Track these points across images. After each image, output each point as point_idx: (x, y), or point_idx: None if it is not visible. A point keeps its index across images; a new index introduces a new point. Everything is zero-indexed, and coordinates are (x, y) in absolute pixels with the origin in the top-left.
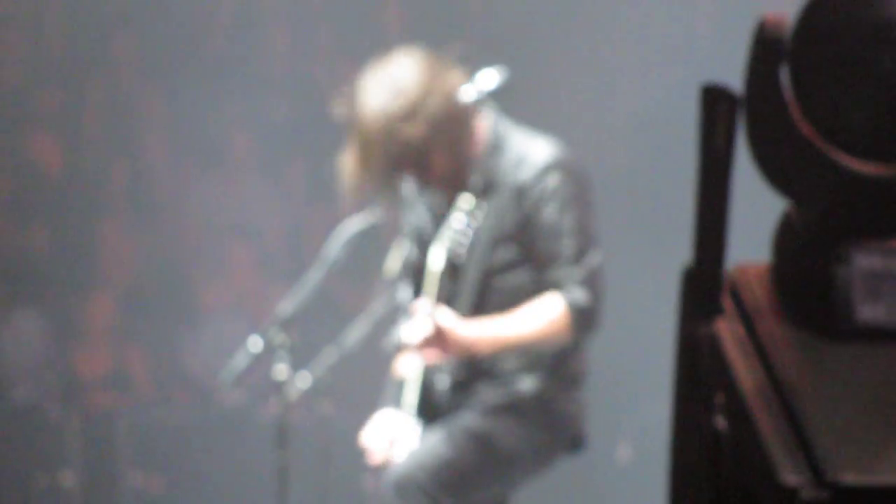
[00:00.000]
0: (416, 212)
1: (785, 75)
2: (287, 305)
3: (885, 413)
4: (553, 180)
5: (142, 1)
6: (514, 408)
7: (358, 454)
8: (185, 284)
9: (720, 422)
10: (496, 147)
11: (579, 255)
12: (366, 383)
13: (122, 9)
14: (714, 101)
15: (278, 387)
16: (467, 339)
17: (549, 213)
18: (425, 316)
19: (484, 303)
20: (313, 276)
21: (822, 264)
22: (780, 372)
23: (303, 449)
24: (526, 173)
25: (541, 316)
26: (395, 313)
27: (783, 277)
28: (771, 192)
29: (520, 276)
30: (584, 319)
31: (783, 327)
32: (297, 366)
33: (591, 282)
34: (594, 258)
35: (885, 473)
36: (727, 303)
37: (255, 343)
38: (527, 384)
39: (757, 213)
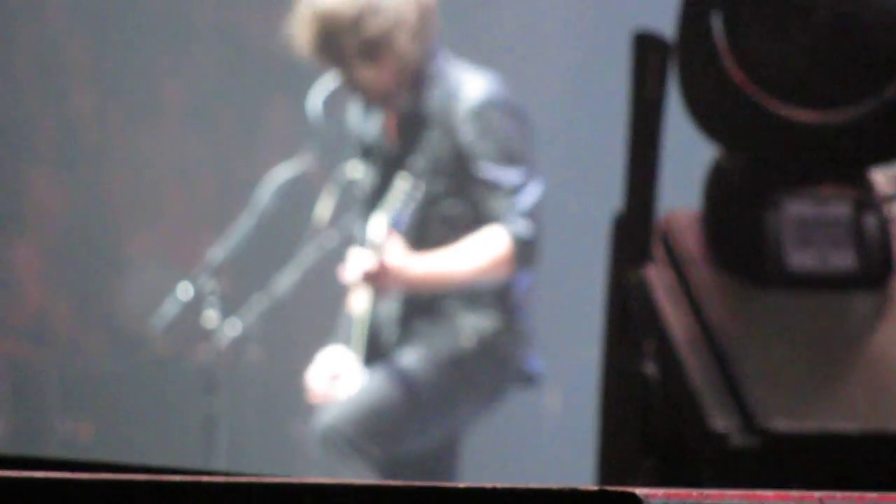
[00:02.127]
0: (361, 134)
1: (717, 23)
2: (217, 253)
3: (814, 359)
4: (491, 116)
5: None
6: (455, 350)
7: (287, 401)
8: (114, 233)
9: (650, 368)
10: (434, 76)
11: (520, 186)
12: (295, 331)
13: None
14: (646, 49)
15: (208, 334)
16: (410, 273)
17: (488, 147)
18: (370, 250)
19: (423, 235)
20: (244, 224)
21: (753, 211)
22: (710, 318)
23: (232, 396)
24: (462, 108)
25: (484, 248)
26: (341, 249)
27: (714, 224)
28: (702, 139)
29: (457, 207)
30: (527, 251)
31: (714, 274)
32: (226, 313)
33: (533, 213)
34: (535, 190)
35: (814, 420)
36: (658, 250)
37: (185, 290)
38: (468, 321)
39: (688, 160)
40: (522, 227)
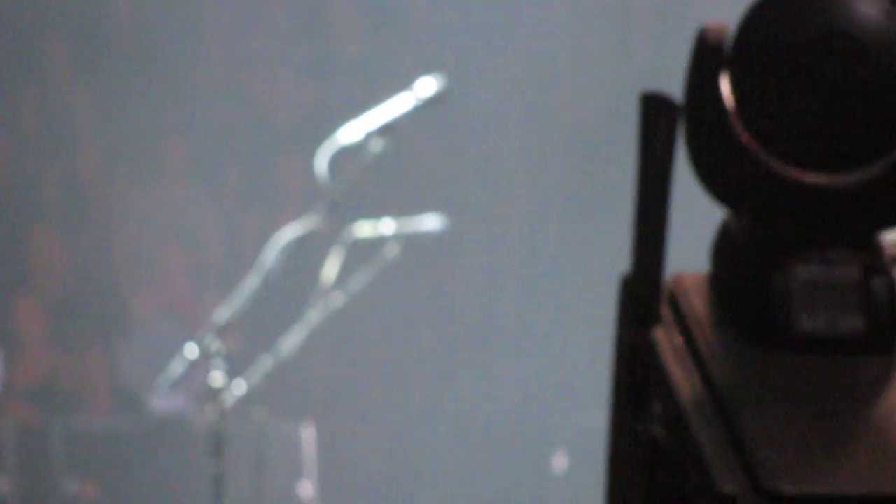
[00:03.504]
0: None
1: (725, 84)
2: (223, 313)
3: (822, 422)
4: None
5: (75, 3)
6: None
7: (291, 461)
8: (119, 292)
9: (657, 431)
10: None
11: None
12: (301, 391)
13: (54, 11)
14: (653, 109)
15: (214, 394)
16: None
17: None
18: None
19: None
20: (250, 284)
21: (760, 274)
22: (717, 381)
23: (238, 456)
24: None
25: None
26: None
27: (721, 286)
28: (710, 202)
29: None
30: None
31: (721, 336)
32: (232, 373)
33: None
34: None
35: (822, 483)
36: (665, 312)
37: (191, 350)
38: None
39: (696, 222)
40: None
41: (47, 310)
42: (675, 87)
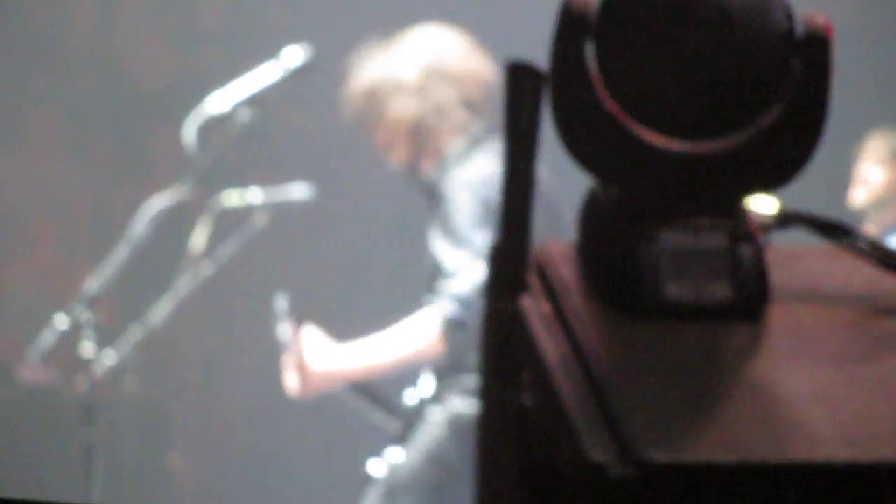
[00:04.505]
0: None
1: (590, 52)
2: (93, 283)
3: (691, 390)
4: (460, 196)
5: None
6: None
7: (163, 432)
8: None
9: (527, 398)
10: (456, 160)
11: (463, 267)
12: (171, 361)
13: None
14: (519, 77)
15: (84, 364)
16: (334, 372)
17: (455, 225)
18: (294, 348)
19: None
20: (119, 254)
21: (627, 242)
22: (586, 349)
23: (109, 426)
24: (449, 183)
25: (416, 334)
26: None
27: (589, 255)
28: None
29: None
30: (456, 331)
31: (590, 305)
32: (103, 344)
33: (470, 295)
34: (478, 273)
35: (692, 451)
36: (534, 280)
37: (61, 321)
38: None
39: (565, 191)
40: (452, 308)
41: None
42: (541, 56)
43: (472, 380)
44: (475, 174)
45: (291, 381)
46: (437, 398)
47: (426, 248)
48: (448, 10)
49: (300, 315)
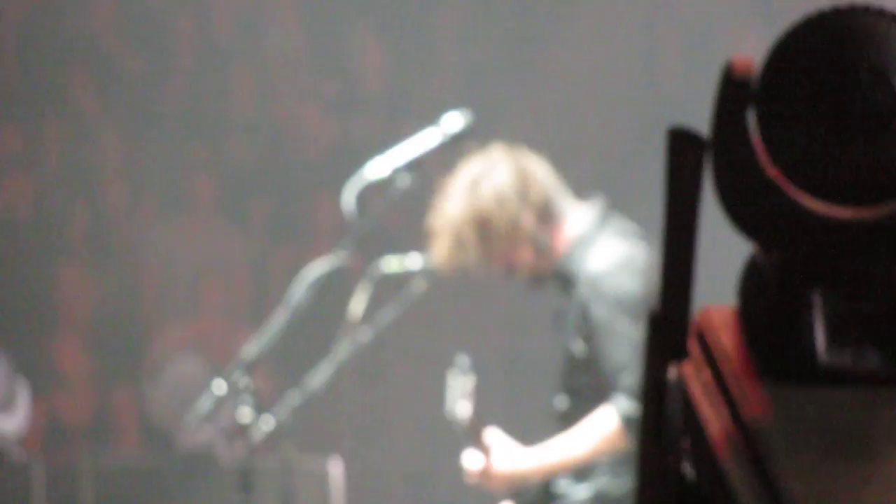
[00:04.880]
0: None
1: (752, 119)
2: (251, 348)
3: (850, 456)
4: (606, 284)
5: (101, 38)
6: None
7: (322, 496)
8: (148, 328)
9: (687, 467)
10: (582, 243)
11: (629, 362)
12: (329, 427)
13: (80, 45)
14: (680, 144)
15: (242, 430)
16: (521, 472)
17: (602, 317)
18: (480, 448)
19: (573, 401)
20: (278, 319)
21: (788, 309)
22: (746, 416)
23: (266, 492)
24: (584, 273)
25: (594, 433)
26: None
27: (749, 321)
28: (738, 237)
29: (590, 375)
30: (633, 427)
31: (750, 372)
32: (260, 409)
33: (637, 389)
34: (637, 364)
35: None
36: (694, 347)
37: (219, 386)
38: (611, 483)
39: (724, 257)
40: (629, 405)
41: (77, 347)
42: (702, 121)
43: (621, 459)
44: (610, 260)
45: (472, 477)
46: (582, 476)
47: (559, 343)
48: (609, 78)
49: (477, 376)
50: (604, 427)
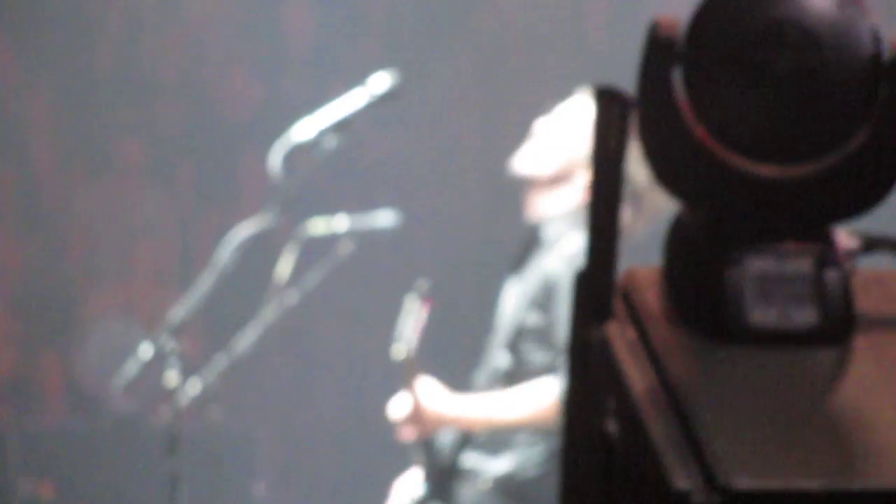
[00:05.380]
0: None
1: (678, 78)
2: (178, 311)
3: (777, 417)
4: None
5: (24, 3)
6: (511, 490)
7: (248, 461)
8: (74, 291)
9: (611, 426)
10: (570, 218)
11: None
12: (256, 390)
13: (4, 7)
14: (606, 103)
15: (169, 394)
16: (448, 418)
17: (566, 296)
18: (407, 391)
19: (515, 362)
20: (204, 282)
21: (713, 267)
22: (671, 375)
23: (194, 456)
24: (562, 248)
25: (531, 400)
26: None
27: (675, 281)
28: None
29: (543, 352)
30: None
31: (675, 331)
32: (187, 373)
33: None
34: None
35: (778, 477)
36: (619, 306)
37: (145, 350)
38: (525, 462)
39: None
40: None
41: (3, 309)
42: (631, 82)
43: (539, 438)
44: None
45: (399, 418)
46: (494, 451)
47: (506, 302)
48: (536, 39)
49: (433, 303)
50: (542, 398)
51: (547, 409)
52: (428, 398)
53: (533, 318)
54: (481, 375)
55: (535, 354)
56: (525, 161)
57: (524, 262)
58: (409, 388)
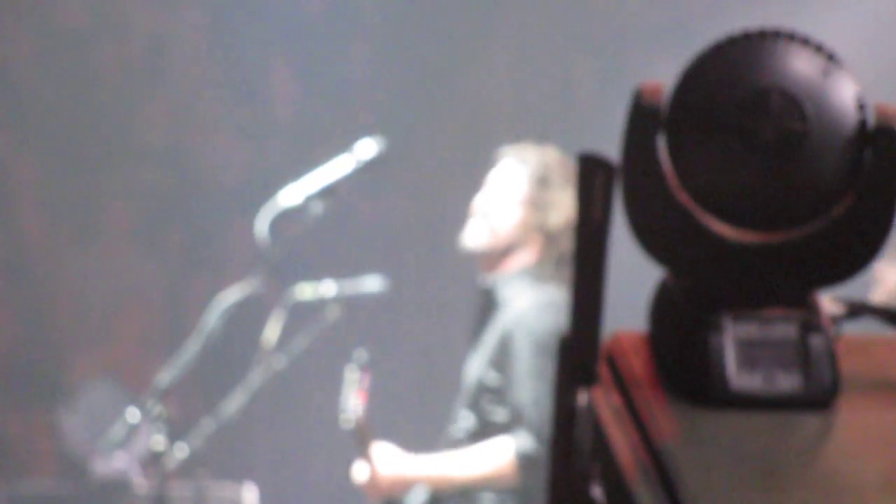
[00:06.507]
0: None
1: (661, 144)
2: (165, 376)
3: (761, 481)
4: (532, 321)
5: (13, 65)
6: None
7: None
8: (62, 355)
9: (597, 492)
10: (525, 276)
11: (539, 399)
12: (243, 454)
13: None
14: (590, 169)
15: (156, 457)
16: (407, 479)
17: (522, 351)
18: (365, 457)
19: (479, 422)
20: (191, 347)
21: (697, 333)
22: (656, 440)
23: None
24: (515, 307)
25: (488, 459)
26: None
27: (659, 346)
28: (649, 262)
29: (502, 410)
30: (530, 467)
31: (660, 396)
32: (174, 436)
33: (542, 429)
34: (544, 404)
35: None
36: (604, 372)
37: (133, 414)
38: None
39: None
40: (528, 442)
41: None
42: (613, 147)
43: (507, 497)
44: (542, 300)
45: (361, 483)
46: None
47: (469, 362)
48: (523, 104)
49: (375, 369)
50: (498, 457)
51: (504, 468)
52: (384, 462)
53: (492, 377)
54: (447, 436)
55: (496, 413)
56: (473, 238)
57: (483, 323)
58: (365, 454)
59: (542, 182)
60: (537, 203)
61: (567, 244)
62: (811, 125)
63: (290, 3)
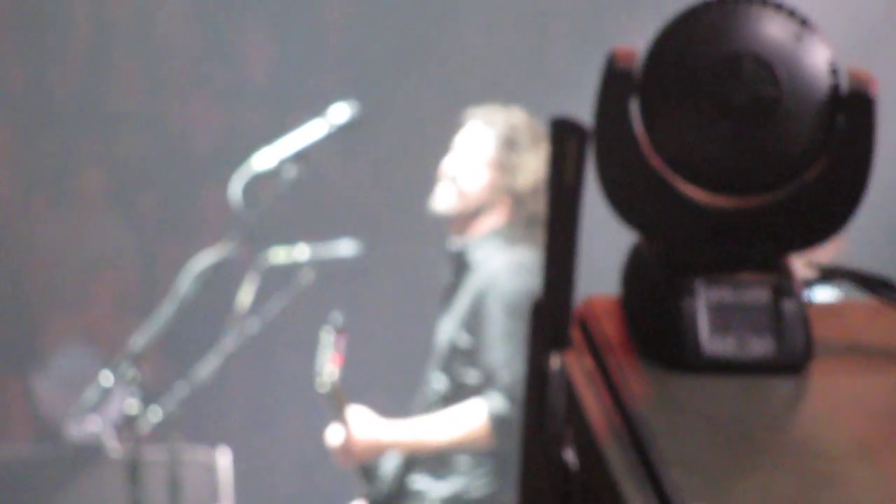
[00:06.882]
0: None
1: (634, 108)
2: (138, 340)
3: (734, 445)
4: (504, 283)
5: None
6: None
7: (209, 487)
8: (35, 319)
9: (569, 455)
10: (496, 237)
11: (510, 360)
12: (217, 417)
13: None
14: (563, 134)
15: (130, 421)
16: (381, 444)
17: (494, 314)
18: (340, 420)
19: (452, 384)
20: (165, 310)
21: (669, 297)
22: (629, 404)
23: (154, 482)
24: (487, 268)
25: (461, 422)
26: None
27: (632, 310)
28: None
29: (474, 373)
30: (504, 428)
31: (633, 360)
32: (148, 400)
33: (514, 390)
34: (517, 366)
35: None
36: (577, 336)
37: (106, 378)
38: (470, 484)
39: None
40: (500, 403)
41: None
42: (586, 111)
43: (482, 459)
44: (513, 261)
45: (335, 447)
46: (440, 474)
47: (444, 323)
48: (497, 68)
49: (350, 332)
50: (472, 420)
51: (477, 430)
52: (359, 426)
53: (464, 339)
54: (421, 399)
55: (468, 375)
56: (442, 201)
57: (455, 285)
58: (340, 418)
59: (509, 144)
60: (505, 165)
61: (536, 206)
62: (784, 90)
63: None
